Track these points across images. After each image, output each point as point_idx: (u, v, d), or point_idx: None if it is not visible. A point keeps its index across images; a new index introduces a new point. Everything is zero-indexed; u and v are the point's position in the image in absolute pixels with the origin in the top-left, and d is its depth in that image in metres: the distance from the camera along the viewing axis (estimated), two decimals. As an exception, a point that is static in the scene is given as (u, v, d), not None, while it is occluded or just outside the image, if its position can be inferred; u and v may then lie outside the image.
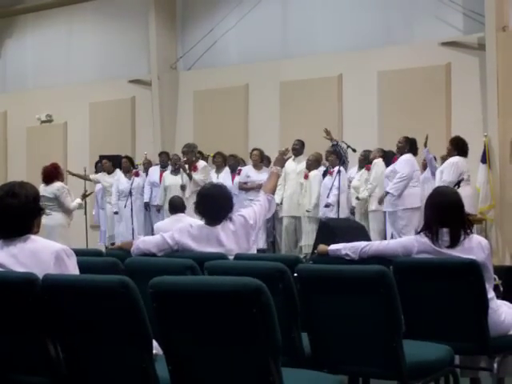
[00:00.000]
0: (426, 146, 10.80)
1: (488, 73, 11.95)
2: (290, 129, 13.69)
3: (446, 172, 10.01)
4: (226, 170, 12.76)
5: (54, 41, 17.37)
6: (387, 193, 10.48)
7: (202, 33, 15.11)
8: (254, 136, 14.40)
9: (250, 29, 14.69)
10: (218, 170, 12.77)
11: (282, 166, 6.21)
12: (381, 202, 10.81)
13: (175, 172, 12.54)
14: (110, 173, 13.76)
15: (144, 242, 5.50)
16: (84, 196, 11.18)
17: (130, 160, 13.61)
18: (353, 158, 11.88)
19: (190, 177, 11.69)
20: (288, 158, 6.38)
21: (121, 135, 16.05)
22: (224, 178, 12.50)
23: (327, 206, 11.29)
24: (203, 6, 15.43)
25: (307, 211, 11.82)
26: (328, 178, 11.55)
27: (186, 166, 11.84)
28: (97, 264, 4.54)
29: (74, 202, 10.51)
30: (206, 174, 11.93)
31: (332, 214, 11.23)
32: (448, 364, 3.95)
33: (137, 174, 13.37)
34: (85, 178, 13.77)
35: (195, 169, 11.72)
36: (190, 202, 7.54)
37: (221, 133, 14.26)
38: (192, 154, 11.86)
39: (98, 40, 16.71)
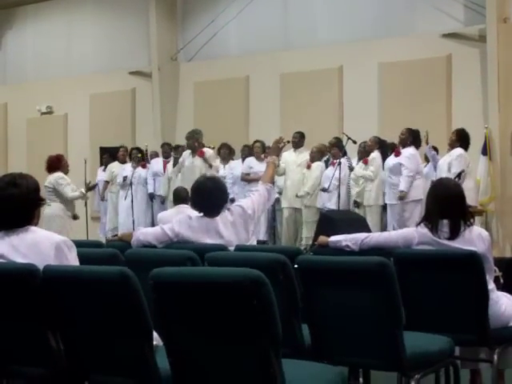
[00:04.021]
0: (427, 143, 10.75)
1: (489, 64, 11.93)
2: (290, 120, 13.67)
3: (456, 164, 9.93)
4: (238, 161, 12.77)
5: (55, 32, 17.34)
6: (402, 191, 10.35)
7: (203, 24, 15.08)
8: (255, 127, 14.40)
9: (250, 20, 14.67)
10: (224, 161, 12.80)
11: (278, 154, 6.15)
12: (401, 199, 10.59)
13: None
14: (123, 163, 13.66)
15: (144, 234, 5.47)
16: (88, 187, 10.83)
17: (140, 151, 13.41)
18: (353, 150, 11.86)
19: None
20: (283, 147, 6.30)
21: (121, 127, 16.04)
22: (235, 167, 12.61)
23: (323, 189, 11.40)
24: (204, -2, 15.43)
25: (296, 196, 11.84)
26: (330, 168, 11.58)
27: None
28: (97, 255, 4.54)
29: (77, 191, 10.28)
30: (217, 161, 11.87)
31: (332, 206, 11.25)
32: (448, 355, 3.95)
33: (144, 166, 13.32)
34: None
35: (201, 154, 11.31)
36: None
37: (221, 124, 14.24)
38: (193, 140, 11.42)
39: (99, 31, 16.69)
